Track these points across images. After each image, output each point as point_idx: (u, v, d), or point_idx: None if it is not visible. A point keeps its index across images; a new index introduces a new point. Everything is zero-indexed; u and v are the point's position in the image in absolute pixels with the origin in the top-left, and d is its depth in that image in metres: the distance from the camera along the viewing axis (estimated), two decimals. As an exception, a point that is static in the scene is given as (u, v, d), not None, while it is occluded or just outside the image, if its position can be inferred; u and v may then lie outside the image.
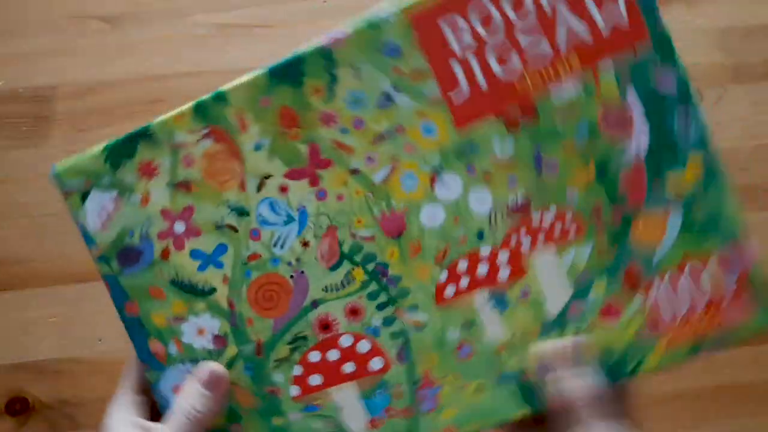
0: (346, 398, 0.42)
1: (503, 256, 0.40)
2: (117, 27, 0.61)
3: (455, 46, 0.39)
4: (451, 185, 0.40)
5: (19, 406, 0.58)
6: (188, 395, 0.42)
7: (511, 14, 0.39)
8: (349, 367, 0.42)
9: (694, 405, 0.63)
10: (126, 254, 0.43)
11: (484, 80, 0.39)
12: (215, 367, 0.42)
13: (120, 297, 0.43)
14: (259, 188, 0.42)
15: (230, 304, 0.43)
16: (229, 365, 0.43)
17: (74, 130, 0.59)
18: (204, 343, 0.43)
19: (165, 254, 0.43)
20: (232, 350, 0.43)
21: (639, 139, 0.39)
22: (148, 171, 0.42)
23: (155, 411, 0.44)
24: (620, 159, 0.39)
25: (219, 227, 0.42)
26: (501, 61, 0.39)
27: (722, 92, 0.62)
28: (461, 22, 0.39)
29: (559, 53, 0.39)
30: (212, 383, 0.42)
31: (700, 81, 0.61)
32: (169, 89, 0.59)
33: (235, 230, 0.42)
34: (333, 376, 0.42)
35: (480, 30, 0.39)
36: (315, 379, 0.42)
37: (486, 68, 0.39)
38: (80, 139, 0.59)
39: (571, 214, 0.40)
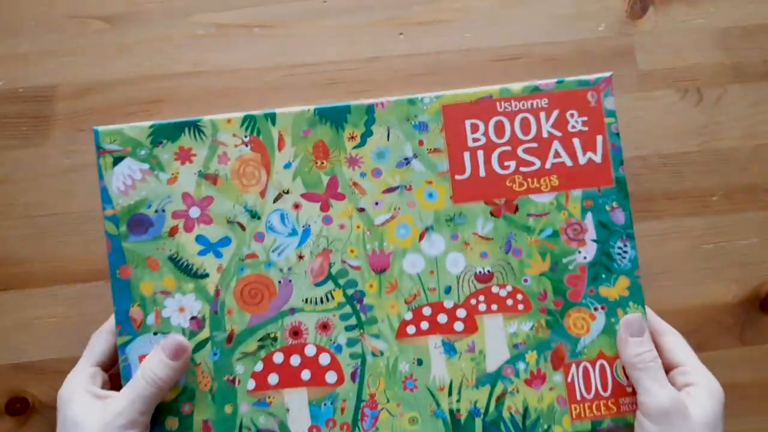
0: (296, 402, 0.47)
1: (461, 313, 0.48)
2: (117, 27, 0.60)
3: (470, 139, 0.49)
4: (435, 243, 0.48)
5: (19, 406, 0.56)
6: (152, 362, 0.45)
7: (519, 133, 0.49)
8: (306, 375, 0.47)
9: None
10: (138, 222, 0.47)
11: (485, 172, 0.49)
12: (181, 339, 0.46)
13: (117, 258, 0.47)
14: (276, 199, 0.48)
15: (217, 292, 0.47)
16: (199, 347, 0.47)
17: (74, 130, 0.58)
18: (181, 320, 0.47)
19: (173, 232, 0.47)
20: (205, 333, 0.47)
21: (587, 252, 0.49)
22: (185, 156, 0.48)
23: (112, 386, 0.46)
24: (570, 262, 0.49)
25: (230, 222, 0.47)
26: (501, 161, 0.49)
27: (722, 92, 0.62)
28: (480, 125, 0.49)
29: (545, 171, 0.49)
30: (176, 354, 0.45)
31: (700, 81, 0.62)
32: (169, 89, 0.59)
33: (243, 228, 0.47)
34: (290, 379, 0.47)
35: (492, 135, 0.49)
36: (273, 378, 0.47)
37: (488, 164, 0.49)
38: (80, 138, 0.58)
39: (523, 294, 0.49)
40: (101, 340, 0.47)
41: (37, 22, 0.59)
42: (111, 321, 0.48)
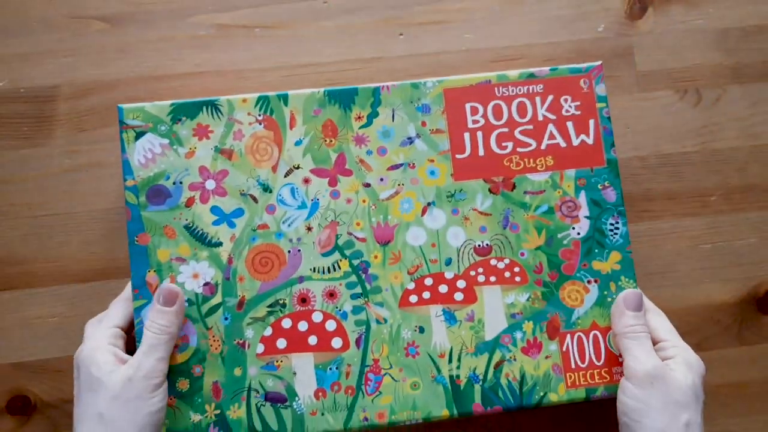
0: (303, 366, 0.49)
1: (461, 284, 0.51)
2: (117, 27, 0.60)
3: (470, 121, 0.52)
4: (437, 218, 0.51)
5: (21, 405, 0.56)
6: (152, 314, 0.47)
7: (515, 115, 0.52)
8: (313, 340, 0.49)
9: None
10: (157, 192, 0.50)
11: (483, 152, 0.52)
12: (171, 285, 0.48)
13: (136, 226, 0.49)
14: (287, 174, 0.51)
15: (229, 260, 0.50)
16: (211, 311, 0.49)
17: (75, 130, 0.58)
18: (195, 286, 0.49)
19: (190, 202, 0.50)
20: (217, 299, 0.49)
21: (581, 228, 0.52)
22: (202, 132, 0.51)
23: (127, 352, 0.48)
24: (564, 237, 0.52)
25: (243, 194, 0.50)
26: (499, 142, 0.52)
27: (722, 92, 0.62)
28: (480, 108, 0.52)
29: (541, 151, 0.52)
30: (169, 300, 0.47)
31: (699, 81, 0.62)
32: (169, 89, 0.58)
33: (256, 201, 0.50)
34: (297, 343, 0.49)
35: (491, 117, 0.52)
36: (281, 343, 0.49)
37: (487, 144, 0.52)
38: (81, 139, 0.58)
39: (520, 267, 0.51)
40: (119, 306, 0.49)
41: (38, 23, 0.60)
42: (128, 289, 0.50)
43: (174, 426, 0.47)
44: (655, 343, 0.49)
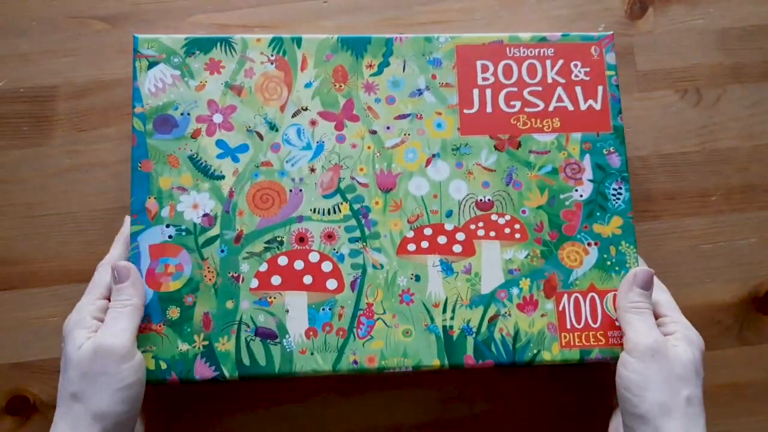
0: (296, 304, 0.48)
1: (460, 236, 0.50)
2: (117, 27, 0.60)
3: (480, 78, 0.52)
4: (441, 170, 0.51)
5: (20, 405, 0.56)
6: (112, 292, 0.47)
7: (525, 76, 0.53)
8: (308, 279, 0.49)
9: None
10: (164, 121, 0.50)
11: (491, 109, 0.52)
12: (119, 262, 0.48)
13: (140, 153, 0.49)
14: (295, 115, 0.51)
15: (230, 194, 0.49)
16: (208, 243, 0.49)
17: (75, 130, 0.58)
18: (194, 216, 0.49)
19: (196, 134, 0.50)
20: (215, 231, 0.49)
21: (584, 191, 0.51)
22: (214, 67, 0.51)
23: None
24: (567, 198, 0.51)
25: (249, 131, 0.50)
26: (507, 100, 0.52)
27: (722, 92, 0.62)
28: (490, 66, 0.53)
29: (548, 113, 0.52)
30: (122, 275, 0.47)
31: (699, 81, 0.62)
32: None
33: (261, 138, 0.50)
34: (292, 282, 0.48)
35: (501, 76, 0.53)
36: (276, 279, 0.48)
37: (495, 102, 0.52)
38: (81, 138, 0.58)
39: (520, 224, 0.51)
40: (105, 272, 0.48)
41: (38, 23, 0.60)
42: (112, 253, 0.49)
43: (160, 354, 0.47)
44: (656, 317, 0.49)
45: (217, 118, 0.50)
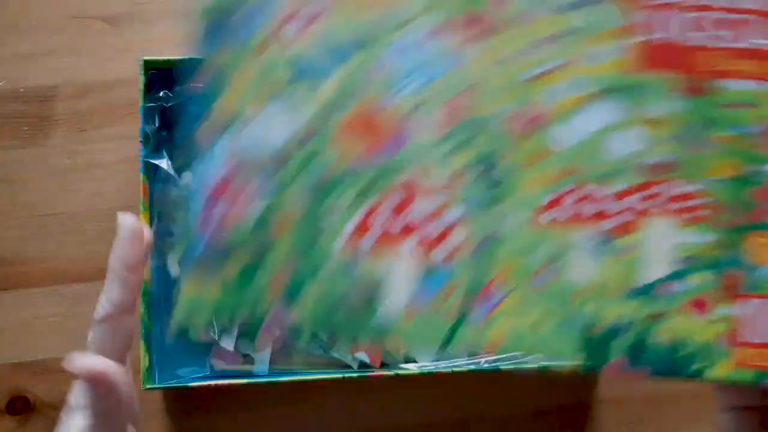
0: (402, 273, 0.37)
1: (619, 206, 0.38)
2: (117, 27, 0.59)
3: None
4: (599, 116, 0.38)
5: (20, 406, 0.56)
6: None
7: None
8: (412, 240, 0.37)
9: (692, 404, 0.61)
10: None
11: (676, 38, 0.38)
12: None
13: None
14: (401, 27, 0.38)
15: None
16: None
17: (75, 130, 0.57)
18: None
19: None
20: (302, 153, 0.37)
21: (790, 165, 0.38)
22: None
23: None
24: (764, 173, 0.38)
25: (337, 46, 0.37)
26: (700, 28, 0.38)
27: None
28: None
29: (758, 51, 0.38)
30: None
31: None
32: None
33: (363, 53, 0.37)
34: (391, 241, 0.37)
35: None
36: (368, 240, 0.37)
37: (683, 29, 0.38)
38: (82, 138, 0.57)
39: (707, 198, 0.38)
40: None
41: (38, 23, 0.59)
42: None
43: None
44: None
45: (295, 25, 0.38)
